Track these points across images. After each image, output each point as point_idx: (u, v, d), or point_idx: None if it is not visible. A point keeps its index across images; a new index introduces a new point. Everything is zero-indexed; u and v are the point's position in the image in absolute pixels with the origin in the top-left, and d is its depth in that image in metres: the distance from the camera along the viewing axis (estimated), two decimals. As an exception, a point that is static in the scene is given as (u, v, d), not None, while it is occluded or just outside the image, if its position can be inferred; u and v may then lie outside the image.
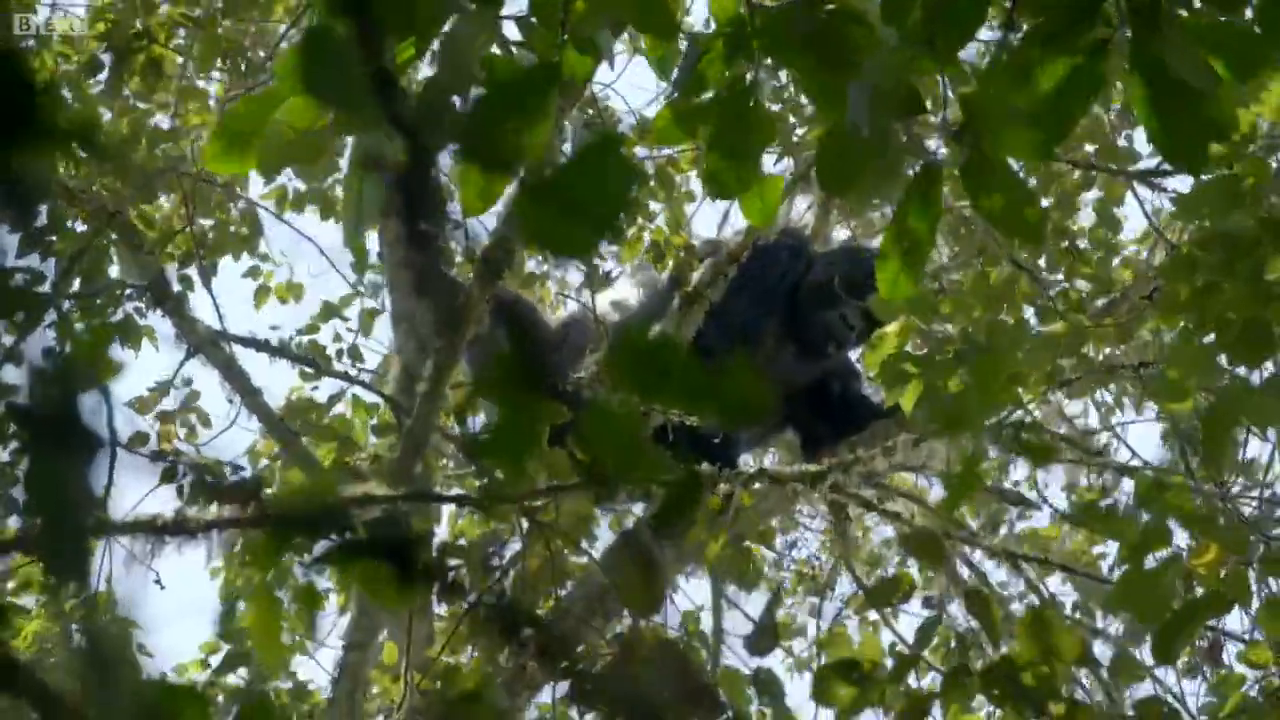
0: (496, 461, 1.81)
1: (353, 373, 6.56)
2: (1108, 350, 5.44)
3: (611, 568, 5.29)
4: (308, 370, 6.16)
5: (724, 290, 5.59)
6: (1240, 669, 3.89)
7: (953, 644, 3.49)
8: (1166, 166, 5.29)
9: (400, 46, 2.34)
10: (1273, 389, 3.73)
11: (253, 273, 7.54)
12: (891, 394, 4.74)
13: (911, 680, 3.39)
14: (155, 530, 2.81)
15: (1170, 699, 4.59)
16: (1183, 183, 5.28)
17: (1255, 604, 3.73)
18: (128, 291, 5.87)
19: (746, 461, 6.15)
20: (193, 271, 6.62)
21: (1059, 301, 5.27)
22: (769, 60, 2.51)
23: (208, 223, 6.97)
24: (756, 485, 5.12)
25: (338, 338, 7.24)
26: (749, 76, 2.57)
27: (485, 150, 1.85)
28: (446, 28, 2.28)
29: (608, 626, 5.56)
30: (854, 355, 6.49)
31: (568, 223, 1.74)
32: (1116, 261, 5.60)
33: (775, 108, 5.72)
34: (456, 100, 2.04)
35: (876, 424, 5.82)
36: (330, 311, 7.25)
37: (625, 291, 6.22)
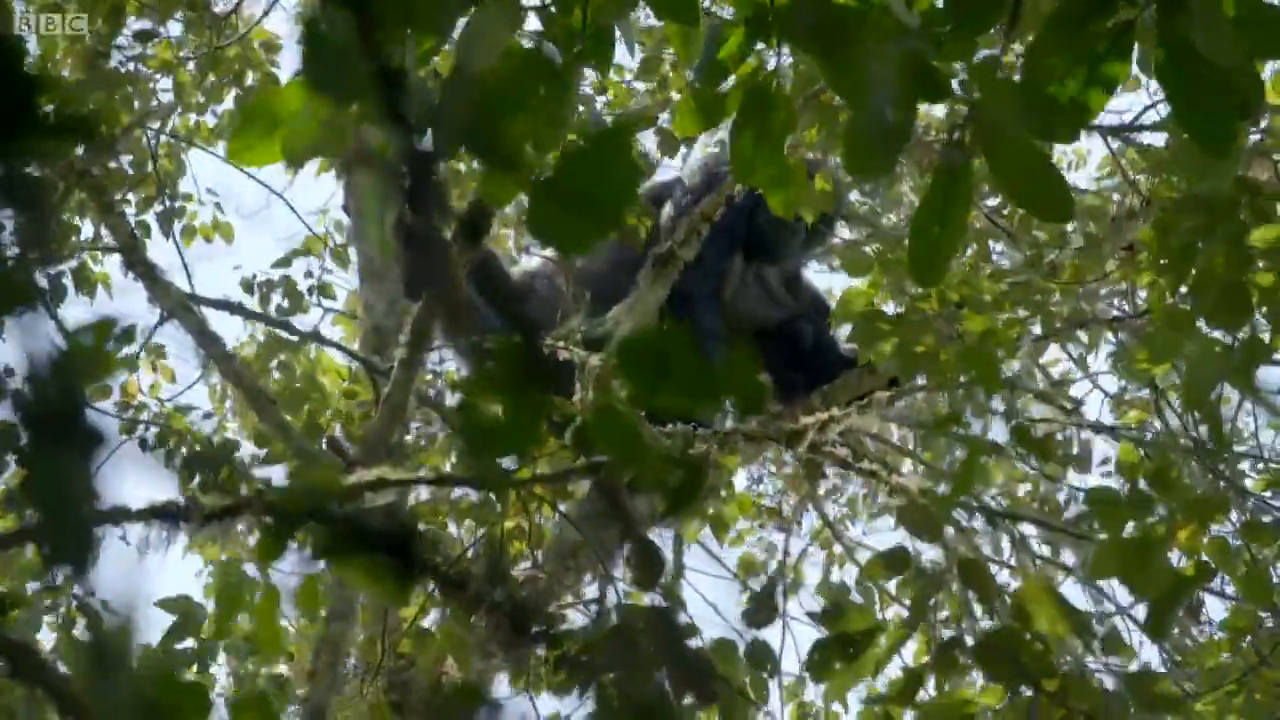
0: (500, 452, 1.81)
1: (324, 326, 6.54)
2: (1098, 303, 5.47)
3: (585, 521, 5.30)
4: (286, 333, 6.12)
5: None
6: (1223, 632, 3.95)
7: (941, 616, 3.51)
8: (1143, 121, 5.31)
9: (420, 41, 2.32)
10: (1247, 353, 3.75)
11: (178, 213, 7.48)
12: (864, 351, 4.76)
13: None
14: (162, 517, 2.81)
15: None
16: (1155, 138, 5.31)
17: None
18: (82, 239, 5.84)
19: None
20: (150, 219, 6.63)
21: (1024, 247, 5.30)
22: (788, 47, 2.51)
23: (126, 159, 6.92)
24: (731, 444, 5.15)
25: (309, 273, 7.24)
26: (770, 63, 2.58)
27: (490, 147, 1.85)
28: (463, 21, 2.27)
29: (580, 583, 5.57)
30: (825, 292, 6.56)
31: (572, 217, 1.74)
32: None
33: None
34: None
35: (849, 374, 5.84)
36: (307, 249, 7.24)
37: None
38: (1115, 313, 5.45)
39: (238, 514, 2.72)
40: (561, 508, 5.13)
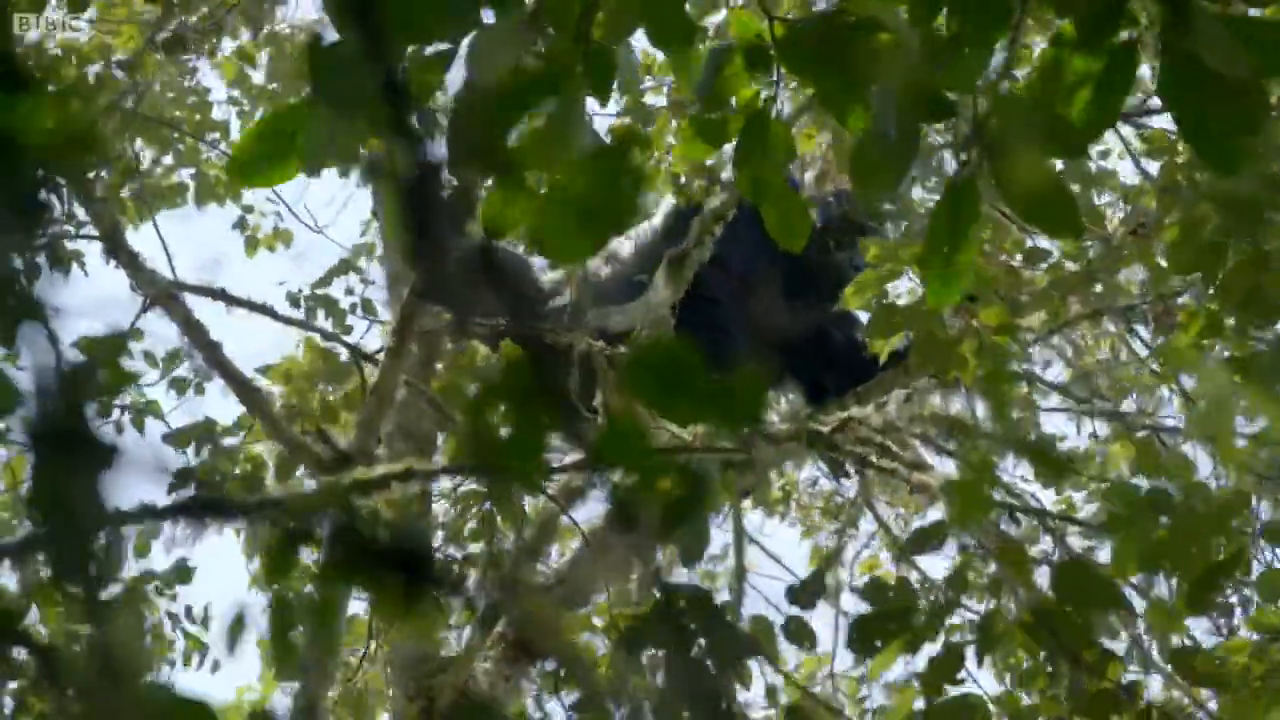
0: (510, 467, 1.78)
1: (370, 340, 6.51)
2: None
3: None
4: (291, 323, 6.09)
5: (720, 242, 5.52)
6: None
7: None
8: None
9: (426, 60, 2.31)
10: (1271, 357, 3.71)
11: (241, 224, 7.53)
12: (878, 344, 4.74)
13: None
14: (186, 514, 2.78)
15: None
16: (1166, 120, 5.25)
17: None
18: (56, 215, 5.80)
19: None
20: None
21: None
22: (788, 74, 2.49)
23: (188, 171, 6.98)
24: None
25: (350, 290, 7.26)
26: (768, 91, 2.56)
27: (495, 160, 1.83)
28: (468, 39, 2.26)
29: (546, 565, 5.54)
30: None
31: (571, 227, 1.72)
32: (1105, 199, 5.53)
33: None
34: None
35: (884, 374, 5.76)
36: (346, 266, 7.27)
37: (616, 242, 6.12)
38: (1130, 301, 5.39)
39: (259, 512, 2.67)
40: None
